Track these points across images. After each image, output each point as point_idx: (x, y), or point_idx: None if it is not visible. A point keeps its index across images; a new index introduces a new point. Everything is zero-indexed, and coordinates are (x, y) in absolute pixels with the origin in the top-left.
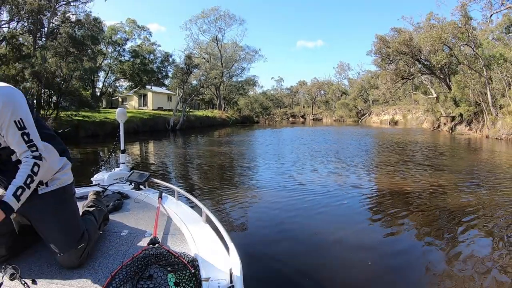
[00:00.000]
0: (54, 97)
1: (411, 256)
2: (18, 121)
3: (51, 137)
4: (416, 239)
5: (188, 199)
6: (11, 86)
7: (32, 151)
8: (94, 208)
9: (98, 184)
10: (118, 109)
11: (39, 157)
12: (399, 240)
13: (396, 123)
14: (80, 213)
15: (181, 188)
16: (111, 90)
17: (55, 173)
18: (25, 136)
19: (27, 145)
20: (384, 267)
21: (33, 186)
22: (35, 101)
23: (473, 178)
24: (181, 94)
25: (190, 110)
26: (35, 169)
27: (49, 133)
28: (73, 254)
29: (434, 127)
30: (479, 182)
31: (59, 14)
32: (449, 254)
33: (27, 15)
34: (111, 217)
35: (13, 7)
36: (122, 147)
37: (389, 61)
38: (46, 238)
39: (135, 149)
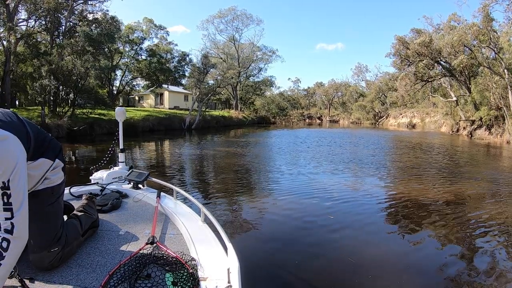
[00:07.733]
0: (71, 95)
1: (428, 267)
2: (5, 182)
3: (45, 150)
4: (435, 250)
5: (187, 198)
6: (6, 131)
7: (6, 219)
8: (82, 213)
9: (97, 182)
10: (117, 108)
11: (10, 231)
12: (415, 252)
13: (414, 126)
14: (72, 214)
15: (184, 186)
16: (128, 88)
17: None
18: (5, 197)
19: (3, 206)
20: (396, 279)
21: (5, 263)
22: (51, 98)
23: (495, 186)
24: (198, 93)
25: (207, 109)
26: (4, 244)
27: (43, 149)
28: (45, 257)
29: (453, 131)
30: (501, 190)
31: (76, 12)
32: (470, 265)
33: (44, 14)
34: (109, 216)
35: (31, 5)
36: (121, 146)
37: (408, 63)
38: None
39: (151, 147)
